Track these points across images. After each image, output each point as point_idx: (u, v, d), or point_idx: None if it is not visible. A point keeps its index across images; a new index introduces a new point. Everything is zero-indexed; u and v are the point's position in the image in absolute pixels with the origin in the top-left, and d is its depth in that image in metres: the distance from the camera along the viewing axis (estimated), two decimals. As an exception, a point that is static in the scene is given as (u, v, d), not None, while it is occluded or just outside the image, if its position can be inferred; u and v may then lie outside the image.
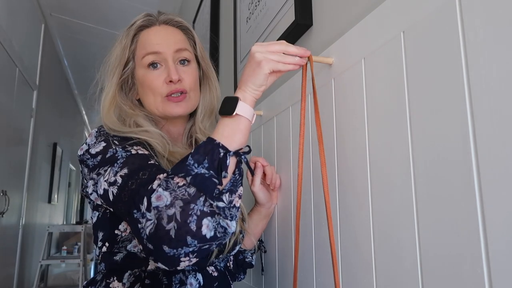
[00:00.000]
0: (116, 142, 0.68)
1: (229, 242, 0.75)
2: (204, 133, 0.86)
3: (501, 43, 0.41)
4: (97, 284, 0.71)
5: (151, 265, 0.70)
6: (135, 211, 0.57)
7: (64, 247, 4.38)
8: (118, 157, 0.65)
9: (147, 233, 0.55)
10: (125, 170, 0.62)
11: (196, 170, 0.57)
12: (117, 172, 0.63)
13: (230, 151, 0.60)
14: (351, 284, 0.65)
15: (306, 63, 0.73)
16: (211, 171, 0.57)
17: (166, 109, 0.78)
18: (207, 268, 0.75)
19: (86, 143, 0.71)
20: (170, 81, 0.77)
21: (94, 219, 0.75)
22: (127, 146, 0.67)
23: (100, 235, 0.73)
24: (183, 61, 0.81)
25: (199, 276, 0.72)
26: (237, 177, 0.61)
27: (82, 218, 7.05)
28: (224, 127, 0.62)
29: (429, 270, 0.49)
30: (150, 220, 0.55)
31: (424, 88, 0.51)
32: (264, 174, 0.91)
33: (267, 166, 0.90)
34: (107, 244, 0.71)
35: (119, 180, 0.62)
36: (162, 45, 0.78)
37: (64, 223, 5.64)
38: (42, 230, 3.95)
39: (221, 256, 0.76)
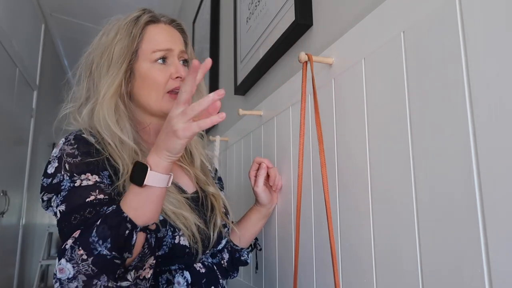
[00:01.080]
0: (67, 166, 0.65)
1: (213, 236, 0.76)
2: None
3: (501, 43, 0.41)
4: None
5: None
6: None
7: (64, 247, 4.37)
8: (62, 187, 0.64)
9: None
10: (63, 207, 0.63)
11: (99, 249, 0.55)
12: (58, 204, 0.64)
13: (137, 227, 0.58)
14: (351, 284, 0.65)
15: (306, 63, 0.73)
16: (113, 252, 0.56)
17: (163, 105, 0.77)
18: (195, 265, 0.75)
19: (51, 153, 0.70)
20: (177, 77, 0.77)
21: None
22: (75, 174, 0.65)
23: None
24: (184, 61, 0.82)
25: (187, 274, 0.72)
26: (146, 251, 0.59)
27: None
28: (133, 197, 0.59)
29: (429, 270, 0.49)
30: (57, 283, 0.56)
31: (424, 88, 0.51)
32: (267, 175, 0.91)
33: (271, 168, 0.90)
34: None
35: (58, 215, 0.63)
36: (173, 43, 0.79)
37: (64, 223, 5.63)
38: (42, 230, 3.95)
39: (207, 251, 0.77)
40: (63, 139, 0.71)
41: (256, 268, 1.03)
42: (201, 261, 0.77)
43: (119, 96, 0.77)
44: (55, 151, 0.69)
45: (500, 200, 0.40)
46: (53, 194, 0.66)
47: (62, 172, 0.66)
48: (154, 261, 0.61)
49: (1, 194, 2.51)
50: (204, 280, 0.75)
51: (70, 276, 0.55)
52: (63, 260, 0.56)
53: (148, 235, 0.60)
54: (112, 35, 0.79)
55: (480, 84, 0.43)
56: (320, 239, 0.76)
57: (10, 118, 2.68)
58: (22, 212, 3.14)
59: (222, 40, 1.75)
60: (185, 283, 0.71)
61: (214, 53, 1.77)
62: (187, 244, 0.70)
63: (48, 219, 4.41)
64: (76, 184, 0.64)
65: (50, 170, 0.67)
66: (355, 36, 0.68)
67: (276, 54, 1.04)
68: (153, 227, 0.61)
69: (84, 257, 0.55)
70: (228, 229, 0.83)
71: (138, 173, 0.59)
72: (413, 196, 0.52)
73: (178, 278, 0.71)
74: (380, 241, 0.58)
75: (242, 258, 0.92)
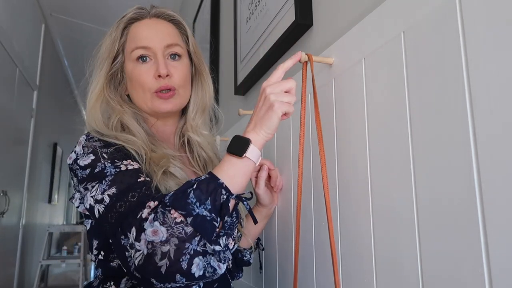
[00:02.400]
0: (105, 156, 0.65)
1: None
2: (196, 131, 0.84)
3: (502, 42, 0.41)
4: None
5: None
6: (122, 237, 0.57)
7: (65, 247, 4.38)
8: (107, 174, 0.63)
9: (136, 263, 0.54)
10: (113, 190, 0.61)
11: (197, 211, 0.55)
12: (104, 190, 0.61)
13: (232, 194, 0.59)
14: (351, 284, 0.65)
15: (307, 63, 0.73)
16: (213, 214, 0.56)
17: (154, 105, 0.76)
18: None
19: (74, 152, 0.69)
20: (159, 76, 0.74)
21: (88, 227, 0.74)
22: (116, 161, 0.64)
23: (95, 243, 0.72)
24: (174, 56, 0.78)
25: None
26: (234, 220, 0.60)
27: (82, 218, 7.05)
28: (230, 166, 0.61)
29: (429, 270, 0.49)
30: (140, 251, 0.54)
31: (424, 88, 0.51)
32: (269, 176, 0.91)
33: (273, 170, 0.90)
34: (102, 252, 0.71)
35: (107, 199, 0.60)
36: (152, 39, 0.76)
37: (65, 223, 5.64)
38: (42, 230, 3.95)
39: None
40: (84, 136, 0.70)
41: (260, 268, 1.03)
42: None
43: (114, 99, 0.77)
44: (80, 148, 0.68)
45: (500, 200, 0.40)
46: (96, 182, 0.63)
47: (102, 161, 0.64)
48: (238, 234, 0.61)
49: (1, 194, 2.51)
50: (216, 284, 0.74)
51: (164, 239, 0.54)
52: (156, 223, 0.55)
53: (245, 203, 0.62)
54: (103, 39, 0.79)
55: (480, 84, 0.43)
56: (320, 239, 0.76)
57: (10, 118, 2.68)
58: (22, 212, 3.14)
59: (222, 40, 1.76)
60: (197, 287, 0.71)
61: (214, 53, 1.77)
62: None
63: (48, 219, 4.41)
64: (122, 169, 0.63)
65: (85, 162, 0.65)
66: (355, 36, 0.68)
67: (276, 54, 1.04)
68: (248, 195, 0.62)
69: (179, 219, 0.55)
70: (240, 235, 0.83)
71: (239, 145, 0.62)
72: (413, 196, 0.52)
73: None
74: (380, 241, 0.58)
75: (245, 258, 0.92)
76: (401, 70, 0.55)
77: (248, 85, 1.27)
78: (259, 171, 0.91)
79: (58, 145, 4.51)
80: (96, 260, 0.72)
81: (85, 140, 0.69)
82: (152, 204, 0.58)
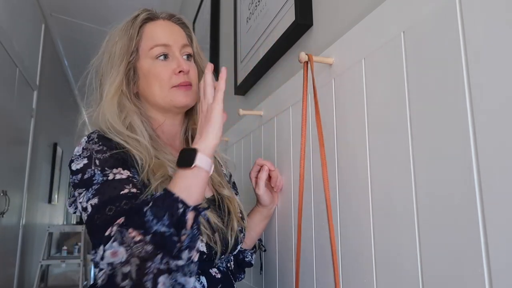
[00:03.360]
0: (97, 162, 0.66)
1: (231, 241, 0.75)
2: None
3: (502, 42, 0.41)
4: None
5: None
6: (93, 251, 0.57)
7: (65, 247, 4.38)
8: (94, 182, 0.64)
9: (100, 281, 0.54)
10: (95, 200, 0.62)
11: (155, 228, 0.55)
12: (89, 198, 0.63)
13: (189, 206, 0.58)
14: (351, 284, 0.65)
15: (307, 63, 0.73)
16: (171, 229, 0.55)
17: (175, 98, 0.77)
18: (210, 270, 0.74)
19: (73, 153, 0.70)
20: (180, 72, 0.77)
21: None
22: (106, 168, 0.65)
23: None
24: (188, 56, 0.82)
25: (203, 279, 0.72)
26: (195, 232, 0.59)
27: (82, 218, 7.05)
28: (183, 179, 0.61)
29: (429, 269, 0.49)
30: (103, 270, 0.54)
31: (424, 88, 0.51)
32: (269, 177, 0.92)
33: (274, 171, 0.91)
34: None
35: (89, 209, 0.62)
36: (170, 39, 0.79)
37: (65, 223, 5.64)
38: (42, 230, 3.95)
39: (223, 256, 0.76)
40: (85, 138, 0.71)
41: (261, 269, 1.03)
42: (217, 266, 0.76)
43: (127, 95, 0.78)
44: (78, 150, 0.69)
45: (500, 200, 0.40)
46: (83, 189, 0.64)
47: (93, 167, 0.65)
48: (202, 245, 0.61)
49: (1, 194, 2.51)
50: (220, 285, 0.74)
51: (123, 260, 0.53)
52: (115, 244, 0.54)
53: (201, 213, 0.61)
54: (113, 38, 0.80)
55: (480, 84, 0.43)
56: (320, 239, 0.76)
57: (10, 118, 2.68)
58: (22, 212, 3.14)
59: (222, 40, 1.75)
60: None
61: (214, 53, 1.77)
62: (204, 250, 0.70)
63: (48, 219, 4.41)
64: (109, 178, 0.64)
65: (77, 166, 0.66)
66: (355, 36, 0.68)
67: (276, 54, 1.04)
68: (204, 205, 0.62)
69: (137, 238, 0.54)
70: (244, 234, 0.83)
71: (187, 157, 0.62)
72: (413, 195, 0.52)
73: (195, 284, 0.70)
74: (380, 241, 0.58)
75: (246, 259, 0.92)
76: (401, 70, 0.55)
77: (248, 85, 1.27)
78: (259, 172, 0.91)
79: (58, 145, 4.51)
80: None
81: (86, 142, 0.69)
82: (120, 221, 0.57)
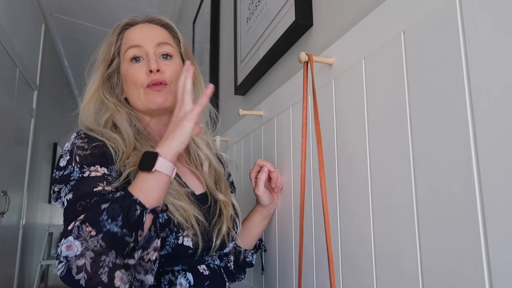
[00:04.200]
0: (77, 158, 0.68)
1: (216, 240, 0.76)
2: None
3: (502, 43, 0.41)
4: None
5: None
6: (59, 243, 0.58)
7: (64, 247, 4.37)
8: (71, 178, 0.66)
9: (59, 273, 0.56)
10: (70, 195, 0.64)
11: (108, 227, 0.56)
12: (66, 194, 0.65)
13: (147, 209, 0.60)
14: (351, 285, 0.65)
15: (307, 63, 0.73)
16: (125, 230, 0.57)
17: (148, 98, 0.79)
18: (198, 267, 0.74)
19: (63, 148, 0.73)
20: (150, 71, 0.78)
21: None
22: (84, 166, 0.67)
23: None
24: (165, 56, 0.82)
25: (189, 275, 0.72)
26: (152, 234, 0.61)
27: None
28: (142, 182, 0.62)
29: (429, 270, 0.49)
30: (62, 262, 0.56)
31: (424, 88, 0.51)
32: (269, 178, 0.92)
33: (274, 172, 0.91)
34: None
35: (65, 203, 0.64)
36: (143, 39, 0.81)
37: (64, 223, 5.63)
38: (43, 230, 3.95)
39: (209, 256, 0.76)
40: (75, 134, 0.74)
41: (262, 269, 1.03)
42: (206, 263, 0.76)
43: (107, 98, 0.81)
44: (67, 145, 0.72)
45: (500, 200, 0.40)
46: (62, 185, 0.67)
47: (73, 164, 0.67)
48: (159, 244, 0.62)
49: (1, 194, 2.51)
50: (208, 282, 0.74)
51: (78, 253, 0.55)
52: (70, 238, 0.56)
53: (159, 215, 0.63)
54: (101, 44, 0.85)
55: (480, 84, 0.43)
56: (321, 239, 0.76)
57: (10, 118, 2.68)
58: (22, 212, 3.14)
59: (222, 40, 1.76)
60: (188, 285, 0.71)
61: (214, 53, 1.77)
62: (190, 245, 0.70)
63: (48, 219, 4.41)
64: (85, 175, 0.66)
65: (62, 163, 0.69)
66: (355, 36, 0.68)
67: (276, 54, 1.04)
68: (160, 209, 0.63)
69: (93, 233, 0.56)
70: (233, 239, 0.82)
71: (148, 160, 0.63)
72: (413, 196, 0.52)
73: (181, 280, 0.71)
74: (380, 241, 0.58)
75: (247, 259, 0.92)
76: (401, 70, 0.55)
77: (248, 85, 1.27)
78: (259, 172, 0.91)
79: (58, 145, 4.51)
80: None
81: (74, 137, 0.72)
82: (82, 217, 0.59)
